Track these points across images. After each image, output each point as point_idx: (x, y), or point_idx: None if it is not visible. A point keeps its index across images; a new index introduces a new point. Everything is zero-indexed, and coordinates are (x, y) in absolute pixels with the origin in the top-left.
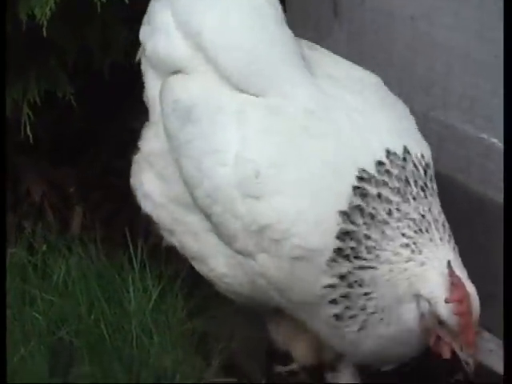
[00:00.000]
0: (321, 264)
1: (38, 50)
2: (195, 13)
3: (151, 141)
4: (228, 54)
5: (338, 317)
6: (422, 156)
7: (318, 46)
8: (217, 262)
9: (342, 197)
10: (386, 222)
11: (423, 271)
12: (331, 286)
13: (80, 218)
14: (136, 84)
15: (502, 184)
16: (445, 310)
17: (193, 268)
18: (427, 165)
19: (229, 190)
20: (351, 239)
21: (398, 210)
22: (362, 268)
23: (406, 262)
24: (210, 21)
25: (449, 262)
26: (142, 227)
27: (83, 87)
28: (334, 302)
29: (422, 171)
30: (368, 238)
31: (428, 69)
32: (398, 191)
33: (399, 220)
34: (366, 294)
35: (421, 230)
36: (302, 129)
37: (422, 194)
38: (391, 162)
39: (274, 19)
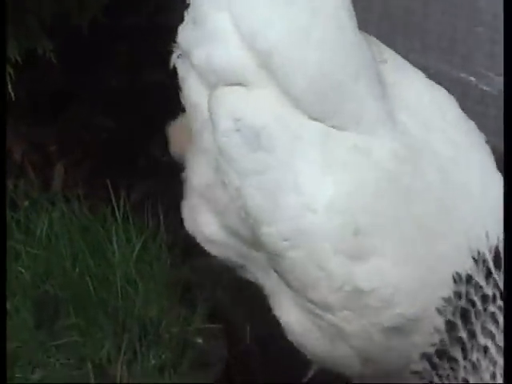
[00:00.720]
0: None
1: (14, 8)
2: (262, 23)
3: (204, 171)
4: (304, 79)
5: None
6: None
7: (383, 47)
8: (286, 313)
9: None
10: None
11: None
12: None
13: (61, 175)
14: (116, 41)
15: (479, 122)
16: None
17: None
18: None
19: (318, 240)
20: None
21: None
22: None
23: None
24: (283, 38)
25: None
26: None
27: (62, 45)
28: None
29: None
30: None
31: (406, 11)
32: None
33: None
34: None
35: None
36: (395, 179)
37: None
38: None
39: (353, 32)
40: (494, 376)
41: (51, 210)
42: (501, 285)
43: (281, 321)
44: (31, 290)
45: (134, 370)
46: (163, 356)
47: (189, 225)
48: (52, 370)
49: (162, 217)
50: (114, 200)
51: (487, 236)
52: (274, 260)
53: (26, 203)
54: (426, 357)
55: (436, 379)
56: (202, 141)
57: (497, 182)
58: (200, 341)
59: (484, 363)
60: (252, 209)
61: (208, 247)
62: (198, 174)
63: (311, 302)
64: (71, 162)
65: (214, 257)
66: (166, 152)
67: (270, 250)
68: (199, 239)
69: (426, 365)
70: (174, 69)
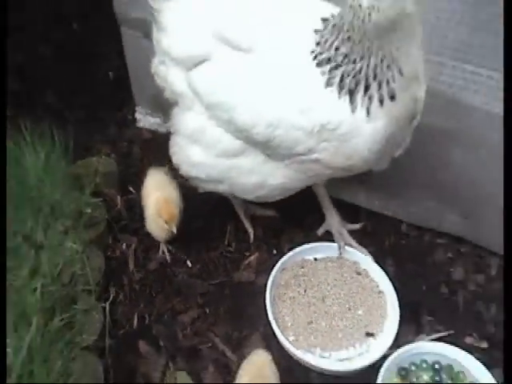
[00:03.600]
0: None
1: None
2: None
3: (191, 122)
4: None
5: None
6: None
7: None
8: (276, 178)
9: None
10: None
11: None
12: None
13: None
14: None
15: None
16: None
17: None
18: None
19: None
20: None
21: None
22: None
23: None
24: None
25: None
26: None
27: None
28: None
29: None
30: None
31: None
32: None
33: None
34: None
35: None
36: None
37: None
38: None
39: None
40: None
41: None
42: None
43: (271, 184)
44: None
45: (48, 234)
46: (66, 223)
47: (177, 158)
48: None
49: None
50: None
51: None
52: (267, 144)
53: None
54: None
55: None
56: (186, 103)
57: None
58: (89, 210)
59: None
60: (240, 124)
61: (192, 171)
62: (184, 124)
63: (298, 154)
64: None
65: None
66: None
67: (261, 140)
68: (184, 167)
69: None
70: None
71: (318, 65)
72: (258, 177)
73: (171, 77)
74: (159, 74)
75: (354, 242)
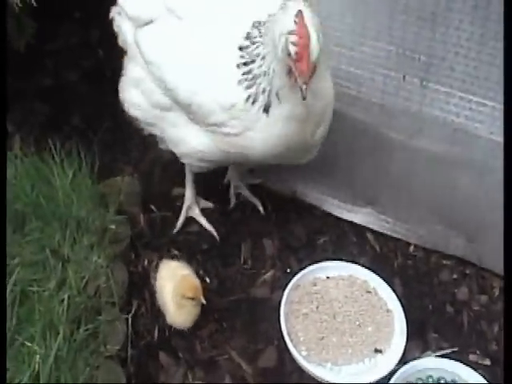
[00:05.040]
0: None
1: None
2: None
3: (134, 70)
4: None
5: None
6: None
7: None
8: (195, 140)
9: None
10: None
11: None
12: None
13: (18, 143)
14: None
15: None
16: (289, 42)
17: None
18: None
19: (208, 88)
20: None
21: None
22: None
23: None
24: None
25: (300, 11)
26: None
27: None
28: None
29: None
30: None
31: None
32: None
33: None
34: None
35: None
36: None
37: None
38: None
39: None
40: None
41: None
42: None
43: (187, 149)
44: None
45: (75, 249)
46: (92, 238)
47: (123, 96)
48: (25, 258)
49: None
50: (53, 148)
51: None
52: (188, 108)
53: None
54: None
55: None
56: (133, 54)
57: None
58: (113, 227)
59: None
60: (168, 85)
61: (131, 110)
62: (129, 70)
63: (211, 124)
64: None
65: None
66: None
67: (183, 102)
68: (127, 105)
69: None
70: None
71: (239, 62)
72: (180, 133)
73: (123, 28)
74: (116, 22)
75: (248, 193)
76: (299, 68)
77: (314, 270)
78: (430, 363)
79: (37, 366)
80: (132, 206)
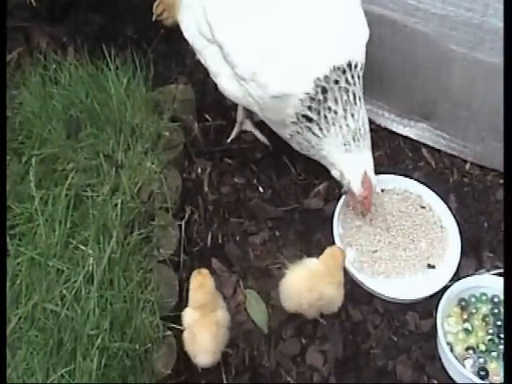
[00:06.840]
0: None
1: None
2: None
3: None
4: None
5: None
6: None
7: None
8: (223, 80)
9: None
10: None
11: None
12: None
13: (72, 53)
14: None
15: None
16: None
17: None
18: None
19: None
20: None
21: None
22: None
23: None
24: None
25: (365, 172)
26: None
27: None
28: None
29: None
30: (329, 110)
31: None
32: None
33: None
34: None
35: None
36: None
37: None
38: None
39: None
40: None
41: (69, 67)
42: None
43: (220, 85)
44: (62, 115)
45: (129, 155)
46: (146, 145)
47: (179, 18)
48: (79, 163)
49: (137, 61)
50: (107, 57)
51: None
52: (222, 50)
53: (54, 66)
54: (297, 113)
55: (300, 129)
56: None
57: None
58: (167, 134)
59: (332, 121)
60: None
61: (185, 33)
62: (186, 24)
63: (237, 75)
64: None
65: None
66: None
67: (220, 44)
68: (182, 27)
69: (297, 119)
70: None
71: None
72: (216, 68)
73: None
74: None
75: (255, 130)
76: (365, 206)
77: None
78: (484, 281)
79: (91, 268)
80: (186, 113)
